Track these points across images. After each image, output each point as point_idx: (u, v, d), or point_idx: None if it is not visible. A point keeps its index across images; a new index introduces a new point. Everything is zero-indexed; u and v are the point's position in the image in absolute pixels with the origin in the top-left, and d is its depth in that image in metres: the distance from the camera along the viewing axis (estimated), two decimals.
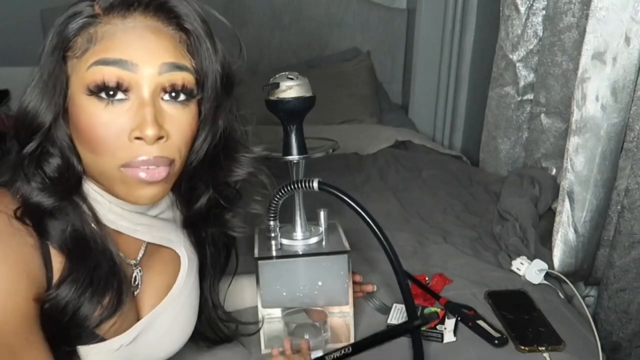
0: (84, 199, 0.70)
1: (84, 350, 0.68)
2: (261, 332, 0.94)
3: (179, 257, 0.81)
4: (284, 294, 0.93)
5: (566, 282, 1.19)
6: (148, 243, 0.78)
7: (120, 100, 0.63)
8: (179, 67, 0.65)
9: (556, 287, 1.19)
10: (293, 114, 0.89)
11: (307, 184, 0.83)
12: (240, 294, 1.02)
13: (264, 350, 0.95)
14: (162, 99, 0.66)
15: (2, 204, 0.64)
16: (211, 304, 0.89)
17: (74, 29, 0.64)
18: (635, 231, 1.31)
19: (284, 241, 0.93)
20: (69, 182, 0.67)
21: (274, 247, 0.92)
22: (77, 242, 0.66)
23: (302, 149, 0.91)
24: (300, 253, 0.92)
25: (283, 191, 0.86)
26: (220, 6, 2.97)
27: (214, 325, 0.90)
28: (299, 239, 0.94)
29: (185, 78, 0.66)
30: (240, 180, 0.79)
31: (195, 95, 0.68)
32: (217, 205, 0.80)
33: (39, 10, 2.43)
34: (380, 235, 0.79)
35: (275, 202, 0.88)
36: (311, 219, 0.97)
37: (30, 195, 0.65)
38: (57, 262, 0.66)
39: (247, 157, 0.77)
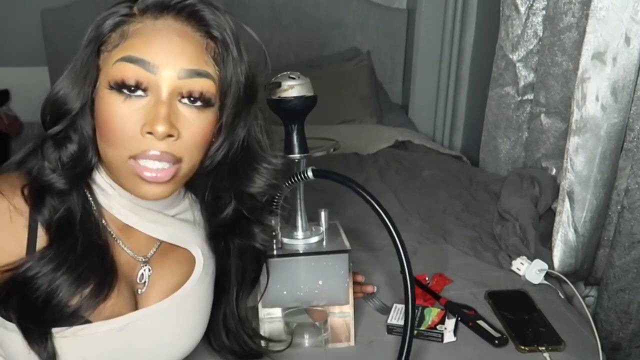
0: (90, 189, 0.72)
1: (70, 331, 0.68)
2: (261, 332, 0.94)
3: (194, 259, 0.80)
4: (285, 293, 0.93)
5: (566, 282, 1.19)
6: (162, 242, 0.78)
7: (139, 96, 0.66)
8: (199, 74, 0.67)
9: (556, 287, 1.19)
10: (294, 113, 0.89)
11: (302, 175, 0.84)
12: None
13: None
14: (180, 101, 0.68)
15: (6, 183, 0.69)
16: (237, 318, 0.87)
17: (109, 25, 0.68)
18: (635, 231, 1.31)
19: (285, 240, 0.94)
20: (77, 170, 0.70)
21: (274, 246, 0.92)
22: (63, 225, 0.69)
23: (303, 148, 0.92)
24: (301, 252, 0.93)
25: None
26: (221, 6, 2.94)
27: (241, 341, 0.87)
28: (300, 238, 0.94)
29: (204, 86, 0.68)
30: (266, 193, 0.80)
31: (213, 104, 0.69)
32: (243, 216, 0.80)
33: (39, 10, 2.43)
34: (380, 211, 0.80)
35: (275, 200, 0.88)
36: (312, 219, 0.97)
37: (41, 174, 0.69)
38: (42, 243, 0.68)
39: (267, 167, 0.78)
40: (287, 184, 0.86)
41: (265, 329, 0.95)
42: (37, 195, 0.69)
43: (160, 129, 0.64)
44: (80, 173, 0.71)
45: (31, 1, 2.43)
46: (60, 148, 0.70)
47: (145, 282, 0.77)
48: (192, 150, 0.69)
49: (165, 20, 0.68)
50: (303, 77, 0.89)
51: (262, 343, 0.90)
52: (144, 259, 0.77)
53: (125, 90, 0.66)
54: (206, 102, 0.68)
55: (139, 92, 0.66)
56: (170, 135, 0.65)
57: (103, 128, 0.67)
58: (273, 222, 0.84)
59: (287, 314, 0.96)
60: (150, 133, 0.65)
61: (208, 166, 0.73)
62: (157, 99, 0.66)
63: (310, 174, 0.84)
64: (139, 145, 0.66)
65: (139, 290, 0.76)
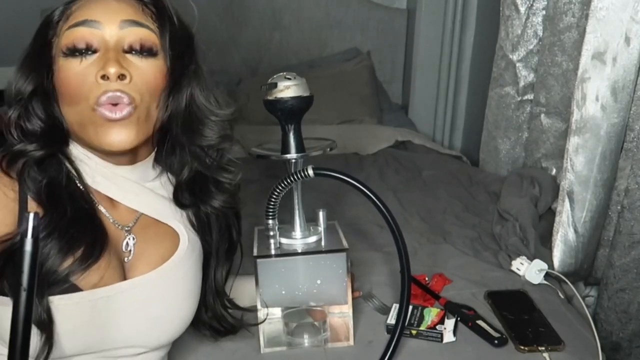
0: (70, 159, 0.77)
1: (63, 298, 0.70)
2: (261, 332, 0.94)
3: (178, 235, 0.82)
4: (283, 292, 0.93)
5: (566, 282, 1.19)
6: (142, 214, 0.81)
7: (91, 55, 0.73)
8: (139, 24, 0.74)
9: (556, 287, 1.19)
10: (291, 113, 0.89)
11: (302, 174, 0.84)
12: (239, 295, 1.01)
13: (263, 350, 0.95)
14: (126, 53, 0.73)
15: None
16: (215, 292, 0.90)
17: (57, 15, 0.76)
18: (635, 231, 1.31)
19: (283, 240, 0.93)
20: (53, 135, 0.75)
21: (272, 246, 0.92)
22: (52, 193, 0.73)
23: (300, 148, 0.92)
24: (299, 252, 0.92)
25: (280, 187, 0.87)
26: (221, 7, 2.97)
27: (219, 314, 0.91)
28: (298, 238, 0.94)
29: (144, 36, 0.74)
30: (219, 144, 0.83)
31: (156, 53, 0.75)
32: (200, 175, 0.84)
33: (39, 10, 2.43)
34: (381, 206, 0.81)
35: (273, 199, 0.88)
36: (311, 220, 0.97)
37: (14, 146, 0.73)
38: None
39: (215, 120, 0.82)
40: (286, 184, 0.86)
41: (265, 329, 0.95)
42: (19, 168, 0.72)
43: (112, 69, 0.70)
44: (57, 138, 0.75)
45: (31, 1, 2.43)
46: (27, 122, 0.75)
47: (130, 250, 0.79)
48: (144, 92, 0.73)
49: None
50: (299, 78, 0.89)
51: (239, 315, 0.94)
52: (127, 228, 0.80)
53: (77, 54, 0.72)
54: (149, 52, 0.74)
55: (90, 53, 0.72)
56: (122, 76, 0.71)
57: (65, 92, 0.73)
58: (230, 177, 0.86)
59: (287, 314, 0.96)
60: (103, 77, 0.70)
61: (161, 117, 0.77)
62: (106, 49, 0.72)
63: (310, 172, 0.84)
64: (97, 91, 0.71)
65: (126, 259, 0.79)
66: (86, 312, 0.71)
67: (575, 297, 1.15)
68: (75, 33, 0.72)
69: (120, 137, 0.72)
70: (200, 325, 0.91)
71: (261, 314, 0.93)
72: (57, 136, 0.75)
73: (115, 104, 0.71)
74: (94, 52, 0.72)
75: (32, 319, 0.65)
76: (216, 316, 0.92)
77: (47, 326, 0.68)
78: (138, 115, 0.73)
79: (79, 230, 0.71)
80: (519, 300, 1.10)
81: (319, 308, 0.96)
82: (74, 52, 0.72)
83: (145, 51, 0.74)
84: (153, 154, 0.82)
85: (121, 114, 0.71)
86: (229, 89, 2.42)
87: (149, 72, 0.74)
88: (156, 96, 0.75)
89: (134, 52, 0.73)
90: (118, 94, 0.70)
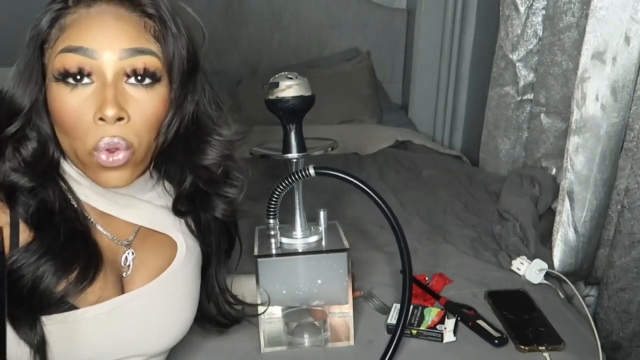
0: (63, 179, 0.73)
1: (60, 318, 0.69)
2: (261, 331, 0.94)
3: (175, 243, 0.82)
4: (284, 292, 0.93)
5: (566, 282, 1.19)
6: (140, 227, 0.80)
7: (85, 84, 0.67)
8: (141, 51, 0.68)
9: (556, 287, 1.19)
10: (292, 113, 0.90)
11: (303, 173, 0.84)
12: (239, 293, 1.01)
13: (263, 349, 0.95)
14: (127, 82, 0.68)
15: None
16: (218, 289, 0.90)
17: (46, 22, 0.69)
18: (635, 231, 1.31)
19: (284, 240, 0.94)
20: (42, 166, 0.71)
21: (273, 246, 0.92)
22: (43, 216, 0.69)
23: (301, 148, 0.92)
24: (300, 251, 0.93)
25: (282, 186, 0.87)
26: (221, 7, 2.96)
27: (222, 309, 0.92)
28: (299, 238, 0.94)
29: (146, 62, 0.68)
30: (219, 164, 0.81)
31: (159, 78, 0.70)
32: (201, 189, 0.82)
33: (38, 10, 2.43)
34: (382, 205, 0.82)
35: (274, 198, 0.88)
36: (312, 220, 0.97)
37: (5, 175, 0.69)
38: (25, 237, 0.69)
39: (219, 139, 0.79)
40: (288, 183, 0.86)
41: (265, 329, 0.95)
42: (9, 194, 0.69)
43: (110, 112, 0.65)
44: (44, 169, 0.72)
45: (31, 1, 2.43)
46: (20, 147, 0.71)
47: (129, 265, 0.78)
48: (142, 133, 0.69)
49: (100, 6, 0.69)
50: (301, 77, 0.89)
51: (241, 308, 0.94)
52: (126, 243, 0.79)
53: (70, 80, 0.67)
54: (152, 77, 0.69)
55: (85, 80, 0.67)
56: (120, 119, 0.66)
57: (58, 121, 0.68)
58: (231, 192, 0.85)
59: (287, 313, 0.96)
60: (101, 119, 0.66)
61: (163, 143, 0.74)
62: (102, 83, 0.67)
63: (311, 171, 0.84)
64: (95, 135, 0.67)
65: (124, 274, 0.78)
66: (85, 330, 0.71)
67: (576, 296, 1.16)
68: (69, 59, 0.66)
69: (116, 178, 0.69)
70: (204, 322, 0.91)
71: (262, 307, 0.93)
72: (48, 160, 0.72)
73: (112, 150, 0.67)
74: (89, 77, 0.67)
75: (26, 341, 0.65)
76: (221, 312, 0.92)
77: (41, 348, 0.67)
78: (135, 159, 0.70)
79: (73, 253, 0.69)
80: (519, 300, 1.10)
81: (319, 308, 0.96)
82: (66, 77, 0.67)
83: (148, 76, 0.69)
84: (150, 167, 0.79)
85: (118, 162, 0.68)
86: (229, 89, 2.42)
87: (149, 105, 0.69)
88: (156, 128, 0.71)
89: (134, 80, 0.68)
90: (115, 140, 0.67)
